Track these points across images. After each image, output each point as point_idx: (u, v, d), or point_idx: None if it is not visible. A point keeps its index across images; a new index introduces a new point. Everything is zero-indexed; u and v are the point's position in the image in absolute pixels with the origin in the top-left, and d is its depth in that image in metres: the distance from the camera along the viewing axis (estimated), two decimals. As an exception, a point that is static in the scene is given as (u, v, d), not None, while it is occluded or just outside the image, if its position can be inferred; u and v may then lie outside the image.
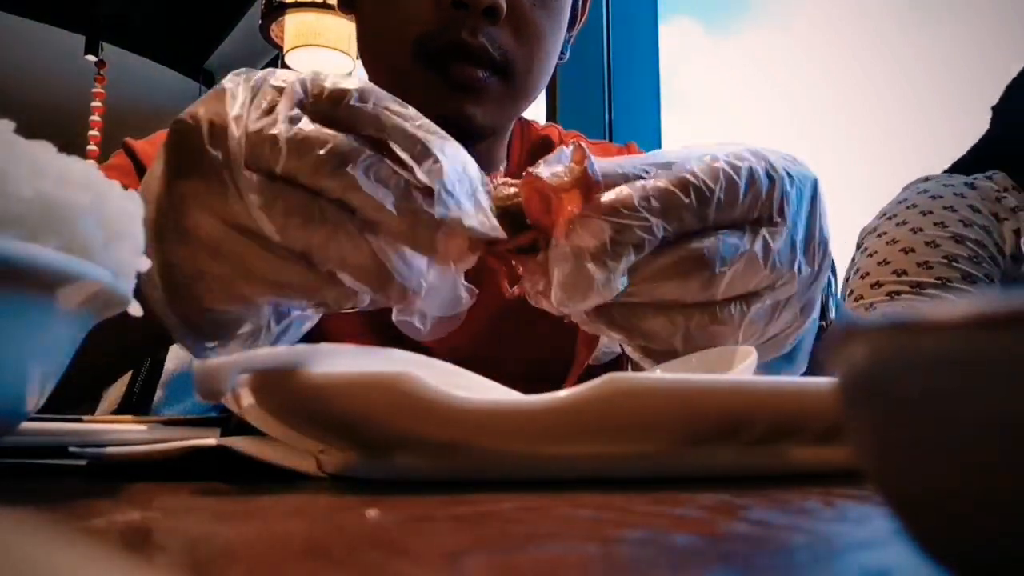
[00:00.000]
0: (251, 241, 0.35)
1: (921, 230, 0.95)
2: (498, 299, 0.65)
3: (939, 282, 0.91)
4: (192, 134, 0.35)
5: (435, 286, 0.36)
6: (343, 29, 2.12)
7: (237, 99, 0.35)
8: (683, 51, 1.99)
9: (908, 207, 0.99)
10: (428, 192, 0.34)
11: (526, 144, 0.76)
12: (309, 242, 0.34)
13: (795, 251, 0.38)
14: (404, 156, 0.35)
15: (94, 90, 2.83)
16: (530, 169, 0.38)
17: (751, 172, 0.37)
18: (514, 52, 0.61)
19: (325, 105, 0.35)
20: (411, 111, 0.36)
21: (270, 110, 0.35)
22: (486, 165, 0.64)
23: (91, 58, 2.87)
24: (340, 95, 0.35)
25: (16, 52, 3.14)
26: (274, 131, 0.34)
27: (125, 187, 0.26)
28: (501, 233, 0.37)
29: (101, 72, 2.87)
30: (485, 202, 0.37)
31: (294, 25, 2.17)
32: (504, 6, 0.59)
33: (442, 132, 0.37)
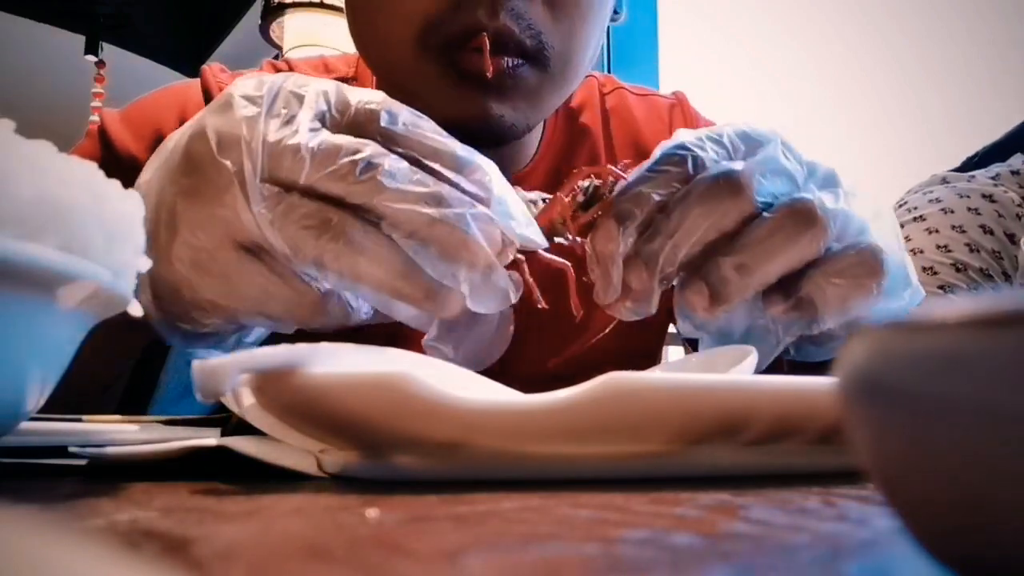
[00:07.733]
0: (251, 258, 0.33)
1: (922, 252, 0.84)
2: (525, 312, 0.61)
3: None
4: (199, 143, 0.33)
5: (477, 284, 0.34)
6: (343, 29, 2.11)
7: (250, 108, 0.33)
8: (683, 49, 1.99)
9: (915, 218, 0.88)
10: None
11: (560, 124, 0.62)
12: (323, 255, 0.32)
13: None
14: (447, 172, 0.33)
15: (94, 90, 2.83)
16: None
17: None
18: (549, 30, 0.47)
19: (352, 125, 0.33)
20: (441, 132, 0.34)
21: (289, 120, 0.33)
22: (508, 167, 0.56)
23: (91, 58, 2.87)
24: (369, 116, 0.33)
25: (16, 52, 3.14)
26: (295, 140, 0.32)
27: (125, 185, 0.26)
28: (545, 242, 0.36)
29: (101, 72, 2.86)
30: (528, 213, 0.36)
31: (294, 25, 2.17)
32: None
33: (469, 149, 0.35)
